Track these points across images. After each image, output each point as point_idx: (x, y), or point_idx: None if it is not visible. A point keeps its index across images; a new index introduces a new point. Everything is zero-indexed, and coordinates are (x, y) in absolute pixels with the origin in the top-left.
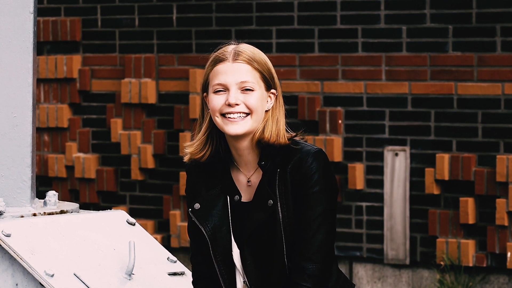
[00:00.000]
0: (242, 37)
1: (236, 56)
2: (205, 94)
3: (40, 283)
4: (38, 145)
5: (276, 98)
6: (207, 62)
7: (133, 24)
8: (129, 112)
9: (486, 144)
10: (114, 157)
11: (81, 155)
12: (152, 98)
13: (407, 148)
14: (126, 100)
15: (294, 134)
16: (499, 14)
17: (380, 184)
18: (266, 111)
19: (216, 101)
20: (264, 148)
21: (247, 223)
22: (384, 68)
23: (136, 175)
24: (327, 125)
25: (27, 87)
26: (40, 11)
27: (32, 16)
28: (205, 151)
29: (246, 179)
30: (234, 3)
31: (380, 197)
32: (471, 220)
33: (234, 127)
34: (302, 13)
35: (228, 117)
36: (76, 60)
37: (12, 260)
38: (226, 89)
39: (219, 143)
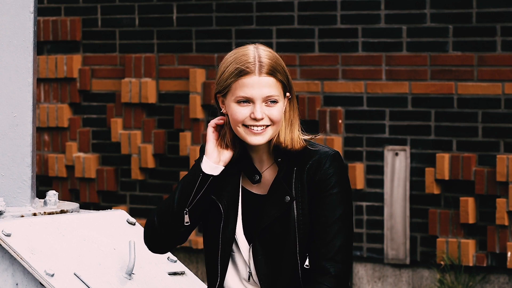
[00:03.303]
0: (242, 37)
1: (261, 68)
2: (218, 94)
3: (40, 283)
4: (38, 145)
5: (289, 100)
6: (224, 65)
7: (133, 23)
8: (129, 111)
9: (486, 144)
10: (114, 156)
11: (81, 154)
12: (152, 98)
13: (407, 148)
14: (126, 100)
15: (310, 137)
16: (499, 14)
17: (380, 183)
18: None
19: (241, 113)
20: (280, 149)
21: (260, 217)
22: (384, 67)
23: (136, 174)
24: (327, 125)
25: (27, 86)
26: (40, 11)
27: (32, 15)
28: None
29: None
30: (234, 2)
31: (380, 197)
32: (471, 220)
33: (257, 138)
34: (302, 13)
35: (251, 129)
36: (76, 59)
37: (12, 260)
38: (251, 101)
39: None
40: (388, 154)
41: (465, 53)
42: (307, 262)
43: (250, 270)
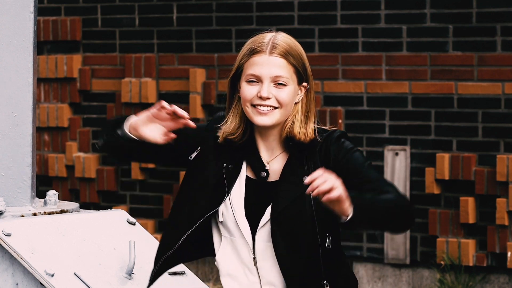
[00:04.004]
0: (242, 37)
1: (273, 49)
2: (234, 78)
3: (40, 283)
4: (38, 145)
5: (307, 91)
6: (241, 48)
7: (134, 23)
8: (129, 111)
9: (486, 144)
10: None
11: (81, 154)
12: (152, 98)
13: (407, 148)
14: (126, 100)
15: (324, 128)
16: (499, 14)
17: None
18: (296, 103)
19: (248, 91)
20: (295, 141)
21: (275, 199)
22: (384, 67)
23: (136, 174)
24: (328, 125)
25: (27, 86)
26: (40, 11)
27: (32, 15)
28: (240, 131)
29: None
30: (234, 2)
31: None
32: (471, 220)
33: (262, 118)
34: (303, 13)
35: (258, 109)
36: (77, 59)
37: (13, 260)
38: (259, 80)
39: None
40: (388, 154)
41: (465, 53)
42: (328, 242)
43: (254, 255)
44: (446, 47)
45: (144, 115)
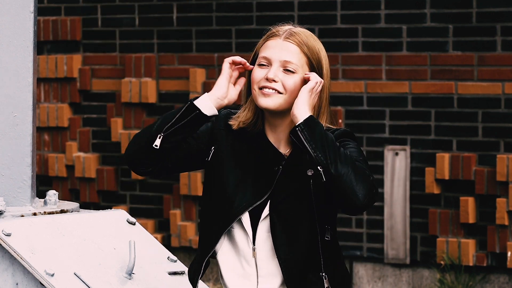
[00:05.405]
0: (242, 37)
1: (289, 35)
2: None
3: (40, 283)
4: (38, 145)
5: (321, 89)
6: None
7: (134, 23)
8: (129, 111)
9: (487, 144)
10: (115, 156)
11: (82, 154)
12: (152, 98)
13: (408, 148)
14: (126, 100)
15: (331, 127)
16: (499, 14)
17: (380, 183)
18: None
19: (257, 73)
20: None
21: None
22: (384, 67)
23: (136, 174)
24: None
25: (27, 86)
26: (40, 11)
27: (32, 15)
28: (255, 120)
29: None
30: (234, 2)
31: (380, 197)
32: (471, 220)
33: (265, 100)
34: (303, 13)
35: (263, 91)
36: (77, 59)
37: (13, 260)
38: (269, 64)
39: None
40: (388, 154)
41: (465, 53)
42: (327, 234)
43: (254, 246)
44: (446, 47)
45: (223, 80)
